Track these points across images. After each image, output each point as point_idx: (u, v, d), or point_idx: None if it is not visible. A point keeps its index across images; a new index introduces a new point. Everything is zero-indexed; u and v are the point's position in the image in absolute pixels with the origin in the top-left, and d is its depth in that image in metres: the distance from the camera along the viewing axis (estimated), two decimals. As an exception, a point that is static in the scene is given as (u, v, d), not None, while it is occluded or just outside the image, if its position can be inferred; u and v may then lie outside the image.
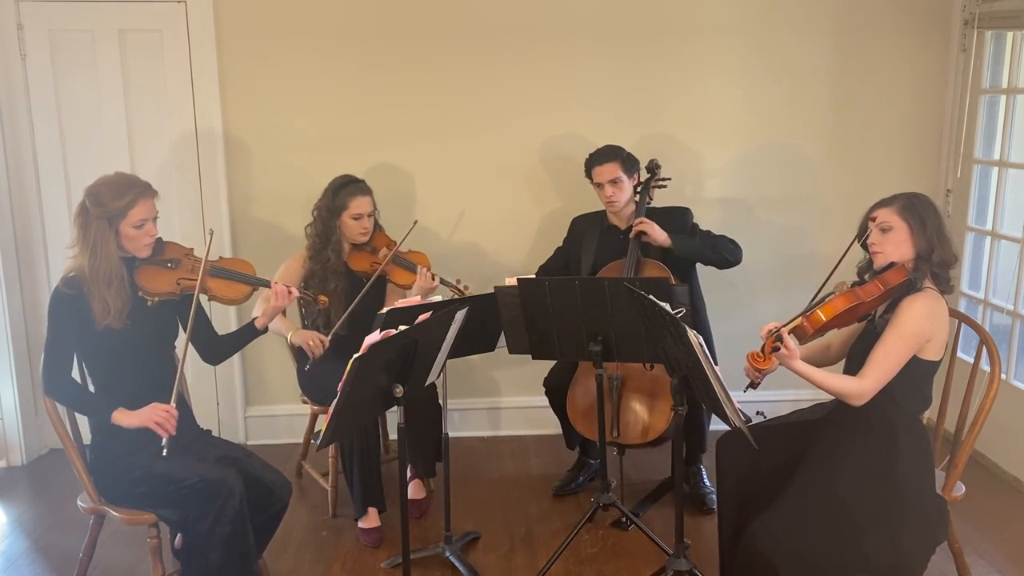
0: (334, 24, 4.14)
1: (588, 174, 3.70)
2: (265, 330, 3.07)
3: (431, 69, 4.19)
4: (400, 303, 2.93)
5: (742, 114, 4.32)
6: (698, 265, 3.74)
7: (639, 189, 3.74)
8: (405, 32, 4.16)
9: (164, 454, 2.70)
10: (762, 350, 2.53)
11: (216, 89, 4.13)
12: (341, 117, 4.21)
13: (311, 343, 3.43)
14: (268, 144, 4.21)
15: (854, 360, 2.76)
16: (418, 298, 3.04)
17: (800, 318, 2.58)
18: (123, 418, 2.71)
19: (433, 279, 3.60)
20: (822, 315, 2.57)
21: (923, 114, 4.37)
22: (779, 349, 2.51)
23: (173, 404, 2.73)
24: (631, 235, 3.58)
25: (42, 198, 4.18)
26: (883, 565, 2.48)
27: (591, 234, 3.79)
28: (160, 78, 4.13)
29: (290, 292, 3.02)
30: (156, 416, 2.69)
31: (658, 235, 3.54)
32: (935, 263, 2.62)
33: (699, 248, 3.61)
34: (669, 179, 3.81)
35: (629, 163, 3.67)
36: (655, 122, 4.27)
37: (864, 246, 2.72)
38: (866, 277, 2.72)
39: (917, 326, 2.55)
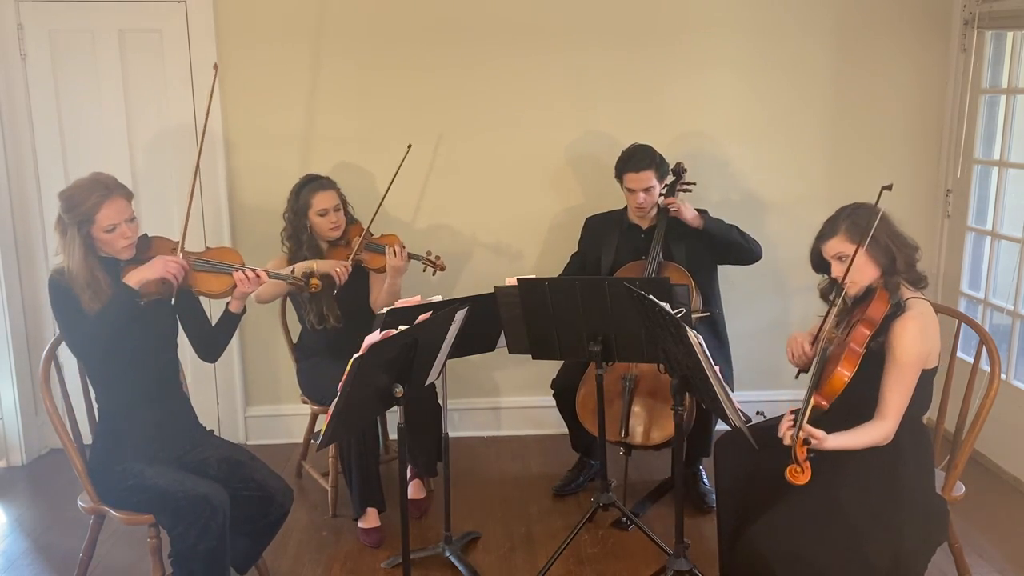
0: (335, 23, 4.14)
1: (619, 177, 3.68)
2: (244, 311, 3.00)
3: (433, 68, 4.18)
4: (400, 303, 2.93)
5: (743, 114, 4.32)
6: (718, 270, 3.73)
7: (664, 191, 3.73)
8: (406, 31, 4.16)
9: (173, 303, 2.88)
10: (797, 463, 2.38)
11: (216, 88, 4.11)
12: (342, 115, 4.20)
13: (338, 269, 3.41)
14: (269, 143, 4.20)
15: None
16: (418, 297, 3.02)
17: (814, 397, 2.47)
18: (137, 273, 2.71)
19: (401, 256, 3.58)
20: (835, 388, 2.48)
21: (923, 114, 4.37)
22: (812, 456, 2.41)
23: (180, 255, 2.79)
24: (661, 207, 3.57)
25: (42, 198, 4.17)
26: (884, 567, 2.47)
27: (610, 233, 3.79)
28: (160, 78, 4.13)
29: (258, 276, 2.91)
30: (170, 267, 2.74)
31: (687, 213, 3.55)
32: (902, 270, 2.59)
33: (727, 228, 3.61)
34: (694, 183, 3.81)
35: (662, 168, 3.66)
36: (655, 122, 4.25)
37: (829, 277, 2.70)
38: (834, 298, 2.65)
39: (915, 349, 2.51)
